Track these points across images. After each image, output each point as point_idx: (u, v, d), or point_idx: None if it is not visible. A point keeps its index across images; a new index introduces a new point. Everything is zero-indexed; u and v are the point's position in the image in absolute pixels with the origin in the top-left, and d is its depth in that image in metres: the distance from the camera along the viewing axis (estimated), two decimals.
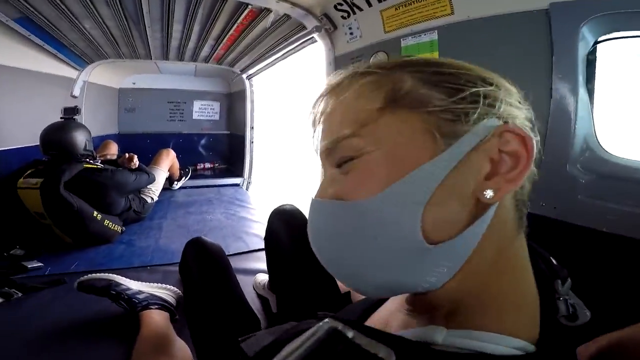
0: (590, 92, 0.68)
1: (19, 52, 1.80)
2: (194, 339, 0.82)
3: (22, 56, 1.85)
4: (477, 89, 0.29)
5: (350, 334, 0.26)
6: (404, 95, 0.30)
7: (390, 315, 0.39)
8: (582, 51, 0.66)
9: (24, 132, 1.90)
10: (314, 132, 0.36)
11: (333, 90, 0.34)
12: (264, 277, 1.35)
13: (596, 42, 0.67)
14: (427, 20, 1.03)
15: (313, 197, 0.35)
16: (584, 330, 0.36)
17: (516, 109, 0.30)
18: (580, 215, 0.71)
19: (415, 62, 0.32)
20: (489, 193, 0.27)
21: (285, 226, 0.98)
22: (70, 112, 1.84)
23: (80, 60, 2.37)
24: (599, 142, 0.68)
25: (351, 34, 1.39)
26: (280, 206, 1.03)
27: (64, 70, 2.33)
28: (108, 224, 1.68)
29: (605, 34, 0.67)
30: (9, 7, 1.39)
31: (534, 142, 0.28)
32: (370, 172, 0.29)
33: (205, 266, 0.87)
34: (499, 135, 0.28)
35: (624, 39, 0.70)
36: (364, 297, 0.50)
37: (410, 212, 0.28)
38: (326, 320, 0.27)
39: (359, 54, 1.40)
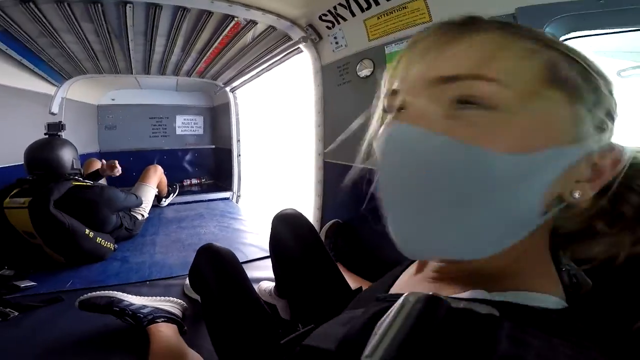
0: None
1: None
2: (216, 345, 0.82)
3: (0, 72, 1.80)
4: (612, 104, 0.30)
5: (444, 298, 0.24)
6: (564, 79, 0.28)
7: (409, 287, 0.41)
8: None
9: (4, 152, 1.84)
10: (416, 59, 0.32)
11: (460, 28, 0.31)
12: (268, 284, 1.36)
13: None
14: (408, 27, 1.10)
15: (398, 124, 0.31)
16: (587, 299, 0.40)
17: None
18: None
19: (566, 46, 0.31)
20: (577, 193, 0.29)
21: (290, 230, 1.00)
22: (55, 128, 1.81)
23: (58, 75, 2.33)
24: None
25: (336, 43, 1.46)
26: (282, 211, 1.06)
27: (42, 87, 2.28)
28: (100, 241, 1.65)
29: (565, 34, 0.75)
30: None
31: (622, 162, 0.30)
32: (510, 131, 0.27)
33: (221, 271, 0.87)
34: (609, 151, 0.30)
35: (580, 38, 0.79)
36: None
37: (541, 184, 0.28)
38: (407, 294, 0.24)
39: (345, 62, 1.46)
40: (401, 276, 0.46)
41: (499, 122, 0.27)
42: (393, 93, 0.33)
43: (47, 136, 1.77)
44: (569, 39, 0.80)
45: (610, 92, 0.31)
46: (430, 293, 0.24)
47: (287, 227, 1.02)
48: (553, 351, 0.21)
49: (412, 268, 0.44)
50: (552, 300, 0.30)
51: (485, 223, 0.28)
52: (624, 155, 0.29)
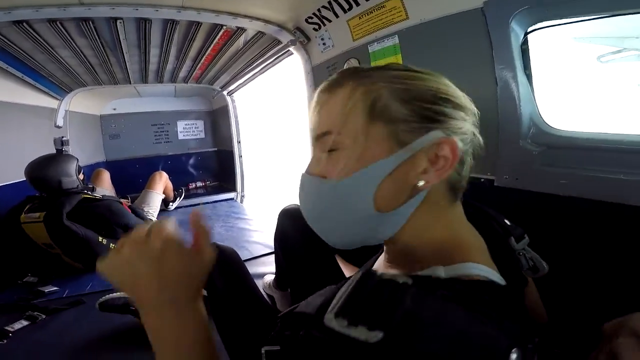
0: (529, 77, 0.80)
1: None
2: (223, 337, 0.87)
3: (3, 89, 1.85)
4: (434, 109, 0.41)
5: (378, 273, 0.32)
6: (381, 110, 0.41)
7: (379, 269, 0.50)
8: (515, 43, 0.77)
9: (16, 167, 1.88)
10: (312, 116, 0.47)
11: (331, 88, 0.45)
12: (270, 277, 1.44)
13: (526, 33, 0.79)
14: (387, 26, 1.14)
15: (303, 172, 0.47)
16: (544, 279, 0.49)
17: (461, 121, 0.42)
18: (538, 182, 0.82)
19: (393, 75, 0.43)
20: (421, 182, 0.40)
21: (295, 224, 1.07)
22: (58, 144, 1.89)
23: (59, 89, 2.39)
24: (542, 119, 0.80)
25: (324, 44, 1.50)
26: (287, 206, 1.13)
27: (45, 101, 2.35)
28: (114, 247, 1.73)
29: (532, 25, 0.78)
30: None
31: (460, 148, 0.40)
32: (345, 162, 0.41)
33: (224, 268, 0.93)
34: (437, 144, 0.40)
35: (552, 27, 0.82)
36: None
37: (366, 191, 0.41)
38: (359, 270, 0.38)
39: (334, 62, 1.51)
40: (377, 260, 0.55)
41: (342, 158, 0.42)
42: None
43: (55, 152, 1.84)
44: (538, 29, 0.83)
45: (441, 98, 0.41)
46: (370, 269, 0.33)
47: (291, 221, 1.09)
48: (446, 310, 0.29)
49: (382, 254, 0.52)
50: (488, 270, 0.38)
51: (352, 221, 0.43)
52: (457, 142, 0.40)
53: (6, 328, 1.20)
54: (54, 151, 1.86)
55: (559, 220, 0.79)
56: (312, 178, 0.45)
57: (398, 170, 0.40)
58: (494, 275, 0.38)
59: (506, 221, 0.51)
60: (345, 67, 1.41)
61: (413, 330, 0.27)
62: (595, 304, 0.71)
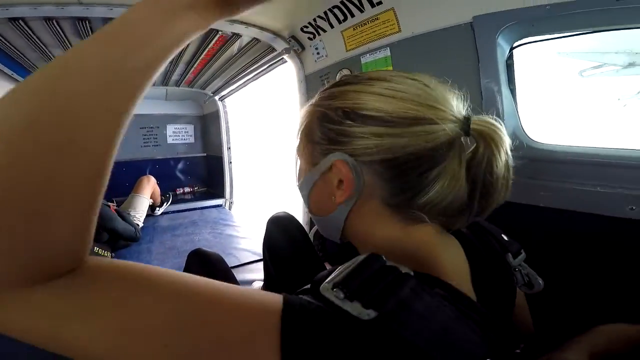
0: (512, 91, 0.84)
1: None
2: None
3: None
4: (337, 130, 0.42)
5: (384, 257, 0.33)
6: (309, 130, 0.46)
7: None
8: (501, 57, 0.82)
9: None
10: None
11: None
12: (259, 284, 1.43)
13: (512, 48, 0.83)
14: (380, 38, 1.18)
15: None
16: (540, 296, 0.50)
17: (372, 139, 0.39)
18: (520, 195, 0.85)
19: (326, 95, 0.46)
20: (334, 198, 0.44)
21: (283, 231, 1.08)
22: None
23: None
24: (525, 132, 0.84)
25: (318, 53, 1.54)
26: (276, 214, 1.13)
27: None
28: (98, 250, 1.71)
29: (518, 40, 0.82)
30: None
31: (354, 174, 0.41)
32: (300, 170, 0.50)
33: (210, 273, 0.94)
34: (334, 166, 0.42)
35: (536, 43, 0.87)
36: None
37: (305, 195, 0.49)
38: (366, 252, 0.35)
39: (327, 72, 1.54)
40: None
41: (299, 166, 0.51)
42: None
43: None
44: (523, 44, 0.87)
45: (354, 118, 0.41)
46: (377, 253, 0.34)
47: (279, 228, 1.10)
48: (439, 307, 0.30)
49: None
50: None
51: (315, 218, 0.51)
52: (348, 164, 0.41)
53: None
54: None
55: (541, 231, 0.82)
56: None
57: (318, 185, 0.46)
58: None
59: (503, 236, 0.52)
60: (339, 76, 1.44)
61: (403, 318, 0.28)
62: (580, 313, 0.74)
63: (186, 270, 1.03)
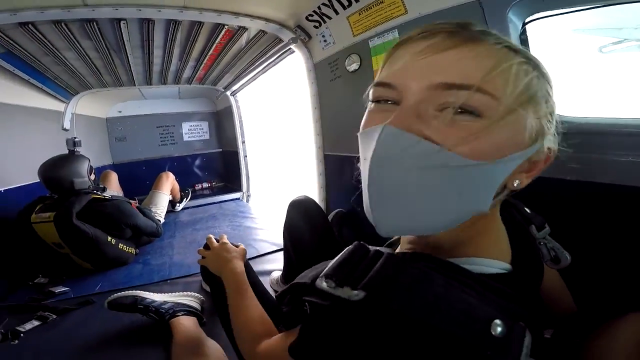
0: None
1: (6, 88, 1.83)
2: (228, 332, 0.88)
3: (11, 91, 1.87)
4: (553, 110, 0.37)
5: (372, 247, 0.36)
6: (533, 96, 0.35)
7: None
8: (514, 34, 0.78)
9: (25, 170, 1.92)
10: (424, 57, 0.35)
11: (464, 37, 0.35)
12: (278, 274, 1.46)
13: (524, 24, 0.79)
14: (387, 21, 1.15)
15: (387, 125, 0.33)
16: (568, 271, 0.48)
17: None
18: (548, 168, 0.82)
19: (531, 57, 0.36)
20: (516, 183, 0.37)
21: (303, 215, 1.09)
22: (70, 145, 1.92)
23: (66, 92, 2.41)
24: None
25: (325, 41, 1.51)
26: (296, 198, 1.14)
27: (52, 104, 2.37)
28: (122, 247, 1.78)
29: (530, 16, 0.79)
30: None
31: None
32: (490, 141, 0.32)
33: None
34: (549, 149, 0.37)
35: (551, 18, 0.83)
36: None
37: (494, 184, 0.35)
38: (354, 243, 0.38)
39: (335, 58, 1.52)
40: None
41: (483, 130, 0.32)
42: (386, 86, 0.36)
43: (67, 152, 1.88)
44: (536, 19, 0.83)
45: (552, 98, 0.37)
46: (361, 242, 0.37)
47: (300, 212, 1.11)
48: (425, 276, 0.31)
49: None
50: (493, 263, 0.39)
51: (450, 210, 0.34)
52: (555, 153, 0.38)
53: (17, 328, 1.22)
54: (63, 153, 1.88)
55: (570, 205, 0.78)
56: (419, 142, 0.32)
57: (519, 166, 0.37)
58: (498, 265, 0.39)
59: (526, 209, 0.50)
60: (348, 62, 1.41)
61: (390, 292, 0.30)
62: (619, 292, 0.71)
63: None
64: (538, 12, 0.78)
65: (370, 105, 0.39)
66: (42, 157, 1.74)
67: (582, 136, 0.78)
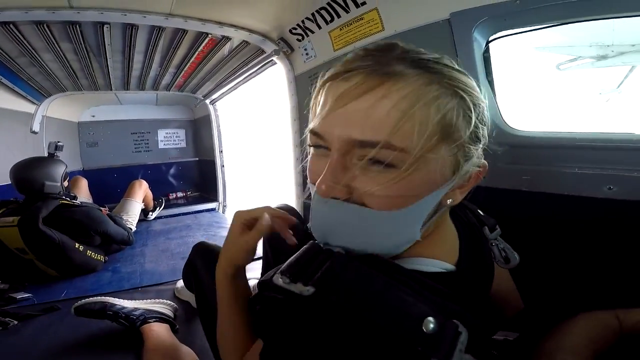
0: (491, 82, 0.88)
1: None
2: (210, 338, 0.88)
3: None
4: (481, 129, 0.39)
5: (321, 244, 0.39)
6: (453, 129, 0.36)
7: None
8: (478, 51, 0.85)
9: None
10: (348, 106, 0.36)
11: (388, 73, 0.35)
12: (254, 282, 1.45)
13: (488, 42, 0.87)
14: (365, 37, 1.22)
15: (322, 188, 0.37)
16: (516, 271, 0.52)
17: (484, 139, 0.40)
18: (503, 180, 0.89)
19: (457, 78, 0.37)
20: (449, 201, 0.40)
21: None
22: (51, 149, 1.89)
23: (38, 94, 2.35)
24: (504, 121, 0.88)
25: (307, 54, 1.57)
26: (278, 205, 1.15)
27: (22, 105, 2.29)
28: (91, 254, 1.71)
29: (492, 34, 0.86)
30: None
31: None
32: (403, 189, 0.35)
33: (210, 265, 0.94)
34: (480, 168, 0.40)
35: (512, 37, 0.91)
36: None
37: (418, 220, 0.38)
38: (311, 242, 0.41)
39: (315, 72, 1.57)
40: None
41: (397, 180, 0.35)
42: (317, 135, 0.40)
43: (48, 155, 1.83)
44: (498, 38, 0.91)
45: (481, 113, 0.39)
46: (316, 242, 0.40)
47: None
48: (366, 275, 0.34)
49: None
50: (435, 263, 0.42)
51: (385, 246, 0.39)
52: (485, 167, 0.41)
53: None
54: (30, 156, 1.80)
55: (524, 215, 0.85)
56: (342, 205, 0.38)
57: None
58: (440, 265, 0.42)
59: (479, 212, 0.53)
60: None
61: (335, 287, 0.33)
62: (566, 293, 0.76)
63: (189, 262, 1.04)
64: (500, 31, 0.86)
65: (309, 150, 0.43)
66: (8, 160, 1.69)
67: (534, 150, 0.86)
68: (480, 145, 0.40)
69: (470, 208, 0.54)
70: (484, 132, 0.40)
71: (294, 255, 0.39)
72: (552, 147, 0.81)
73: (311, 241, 0.40)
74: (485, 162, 0.41)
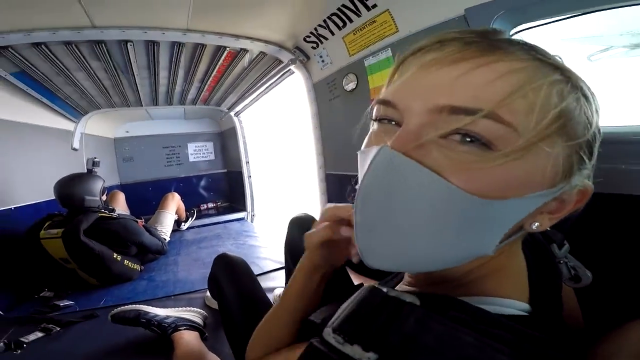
0: None
1: (19, 106, 1.89)
2: (233, 346, 0.89)
3: (23, 110, 1.94)
4: (595, 142, 0.31)
5: (384, 289, 0.29)
6: (570, 125, 0.28)
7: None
8: None
9: (34, 188, 1.98)
10: (433, 70, 0.29)
11: (489, 46, 0.29)
12: (281, 290, 1.46)
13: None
14: (380, 39, 1.21)
15: (394, 149, 0.29)
16: (588, 290, 0.43)
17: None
18: None
19: (571, 76, 0.30)
20: (534, 226, 0.31)
21: (304, 232, 1.09)
22: (90, 165, 2.02)
23: (75, 112, 2.49)
24: None
25: (323, 61, 1.58)
26: (297, 215, 1.15)
27: (62, 123, 2.43)
28: (128, 263, 1.81)
29: (513, 28, 0.83)
30: (6, 62, 1.48)
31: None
32: (499, 177, 0.27)
33: (234, 277, 0.96)
34: (583, 188, 0.31)
35: (536, 29, 0.86)
36: None
37: (502, 227, 0.30)
38: (366, 285, 0.30)
39: (332, 78, 1.58)
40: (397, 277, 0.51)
41: (492, 165, 0.27)
42: (388, 104, 0.32)
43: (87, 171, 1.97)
44: (520, 31, 0.87)
45: (597, 129, 0.31)
46: (376, 285, 0.30)
47: (301, 229, 1.11)
48: (452, 335, 0.25)
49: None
50: (513, 304, 0.33)
51: (445, 251, 0.30)
52: (590, 193, 0.31)
53: (21, 339, 1.24)
54: (72, 172, 1.94)
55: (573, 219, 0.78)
56: (416, 168, 0.28)
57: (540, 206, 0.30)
58: (517, 306, 0.34)
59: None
60: (346, 81, 1.47)
61: (411, 356, 0.24)
62: (619, 304, 0.69)
63: (211, 274, 1.07)
64: (521, 24, 0.82)
65: (372, 125, 0.36)
66: (52, 176, 1.81)
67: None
68: (592, 163, 0.31)
69: None
70: (595, 148, 0.31)
71: (348, 305, 0.29)
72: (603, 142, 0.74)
73: (371, 285, 0.30)
74: (591, 185, 0.31)
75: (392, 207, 0.29)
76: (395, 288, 0.42)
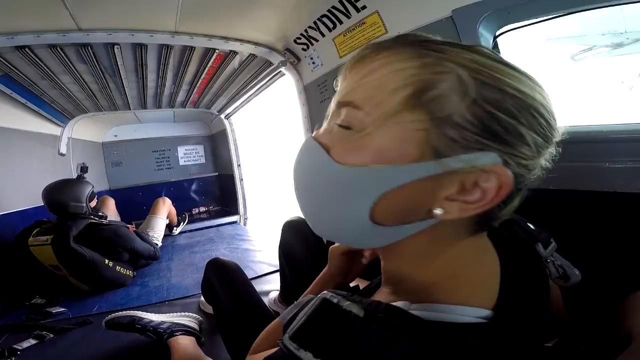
0: None
1: (3, 111, 1.84)
2: (230, 349, 0.90)
3: (8, 115, 1.89)
4: (507, 123, 0.29)
5: (335, 300, 0.31)
6: (430, 100, 0.30)
7: (380, 295, 0.46)
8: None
9: (21, 195, 1.94)
10: (342, 76, 0.37)
11: (378, 48, 0.34)
12: (276, 294, 1.46)
13: (495, 37, 0.86)
14: (370, 41, 1.22)
15: (311, 135, 0.38)
16: (577, 289, 0.45)
17: (534, 153, 0.31)
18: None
19: (475, 60, 0.30)
20: (438, 211, 0.31)
21: (298, 236, 1.09)
22: (80, 170, 2.01)
23: (62, 116, 2.44)
24: None
25: (313, 63, 1.59)
26: (290, 218, 1.15)
27: (48, 128, 2.38)
28: (120, 269, 1.79)
29: (499, 29, 0.84)
30: None
31: (510, 186, 0.30)
32: (358, 147, 0.32)
33: (227, 281, 0.96)
34: (485, 171, 0.29)
35: (521, 29, 0.88)
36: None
37: (366, 196, 0.32)
38: (324, 292, 0.33)
39: (323, 80, 1.58)
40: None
41: (354, 141, 0.33)
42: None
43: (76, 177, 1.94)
44: (505, 32, 0.89)
45: (518, 110, 0.30)
46: (328, 294, 0.33)
47: (294, 232, 1.11)
48: (387, 346, 0.28)
49: None
50: (467, 311, 0.34)
51: (337, 217, 0.35)
52: (505, 181, 0.29)
53: (14, 346, 1.22)
54: (59, 178, 1.90)
55: (554, 214, 0.80)
56: (316, 146, 0.36)
57: (416, 184, 0.31)
58: (474, 313, 0.34)
59: (530, 225, 0.46)
60: (336, 83, 1.47)
61: None
62: (604, 294, 0.71)
63: (205, 280, 1.06)
64: (507, 25, 0.84)
65: None
66: (39, 183, 1.78)
67: (563, 145, 0.82)
68: (499, 145, 0.30)
69: (517, 222, 0.46)
70: (517, 129, 0.30)
71: (304, 314, 0.33)
72: (581, 141, 0.77)
73: (322, 297, 0.33)
74: (505, 172, 0.29)
75: (308, 181, 0.38)
76: (377, 291, 0.48)
